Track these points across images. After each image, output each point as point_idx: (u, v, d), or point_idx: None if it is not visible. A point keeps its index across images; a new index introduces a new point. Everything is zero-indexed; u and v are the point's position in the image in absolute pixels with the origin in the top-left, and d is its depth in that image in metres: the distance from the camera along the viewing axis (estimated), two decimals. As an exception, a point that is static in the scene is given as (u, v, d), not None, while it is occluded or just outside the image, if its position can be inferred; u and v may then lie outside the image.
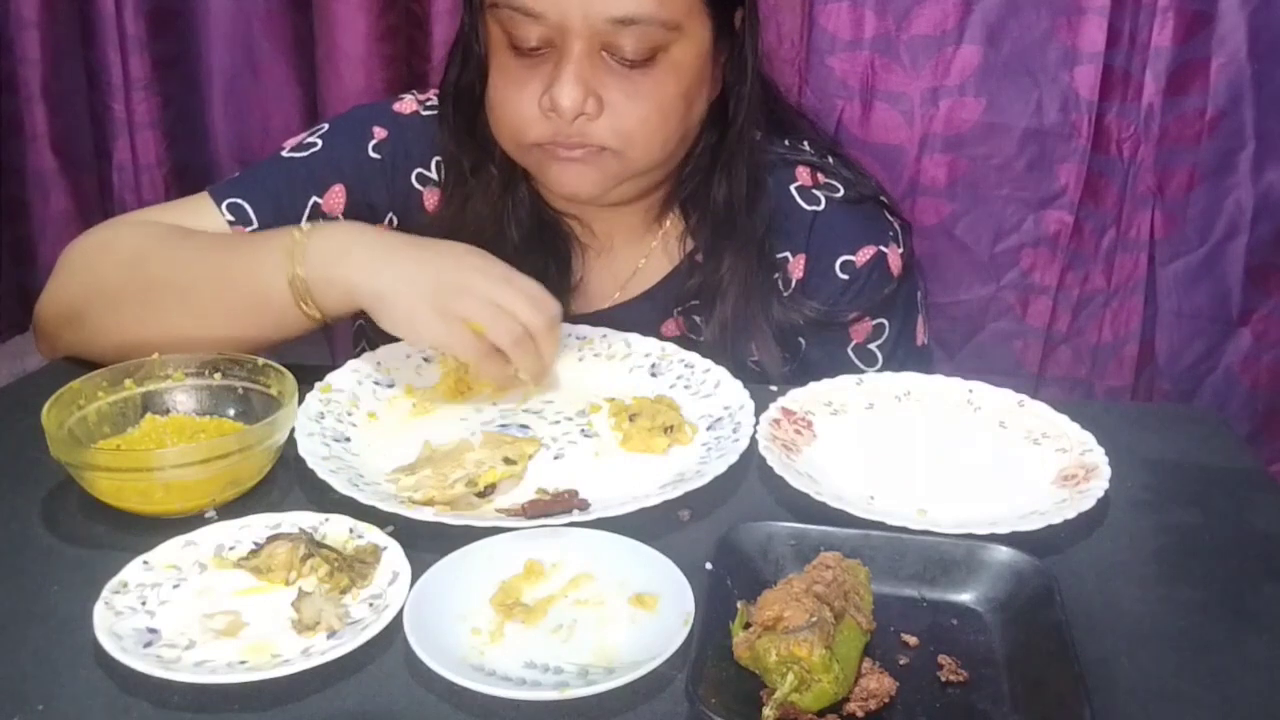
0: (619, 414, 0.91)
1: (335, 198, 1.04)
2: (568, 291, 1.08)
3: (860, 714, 0.60)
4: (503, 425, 0.91)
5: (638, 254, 1.10)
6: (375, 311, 0.87)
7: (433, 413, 0.93)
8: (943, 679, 0.63)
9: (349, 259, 0.88)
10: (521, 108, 0.95)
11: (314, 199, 1.04)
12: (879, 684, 0.61)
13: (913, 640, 0.66)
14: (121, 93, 1.38)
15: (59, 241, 1.47)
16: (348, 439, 0.87)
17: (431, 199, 1.08)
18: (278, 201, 1.02)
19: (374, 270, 0.87)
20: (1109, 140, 1.26)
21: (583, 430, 0.91)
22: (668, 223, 1.09)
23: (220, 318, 0.92)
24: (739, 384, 0.94)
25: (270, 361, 0.87)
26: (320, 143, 1.06)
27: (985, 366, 1.34)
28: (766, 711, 0.58)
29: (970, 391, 0.94)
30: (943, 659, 0.64)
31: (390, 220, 1.07)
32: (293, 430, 0.83)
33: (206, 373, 0.88)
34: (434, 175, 1.08)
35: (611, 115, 0.93)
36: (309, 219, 1.02)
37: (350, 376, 0.94)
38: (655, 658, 0.62)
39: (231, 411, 0.87)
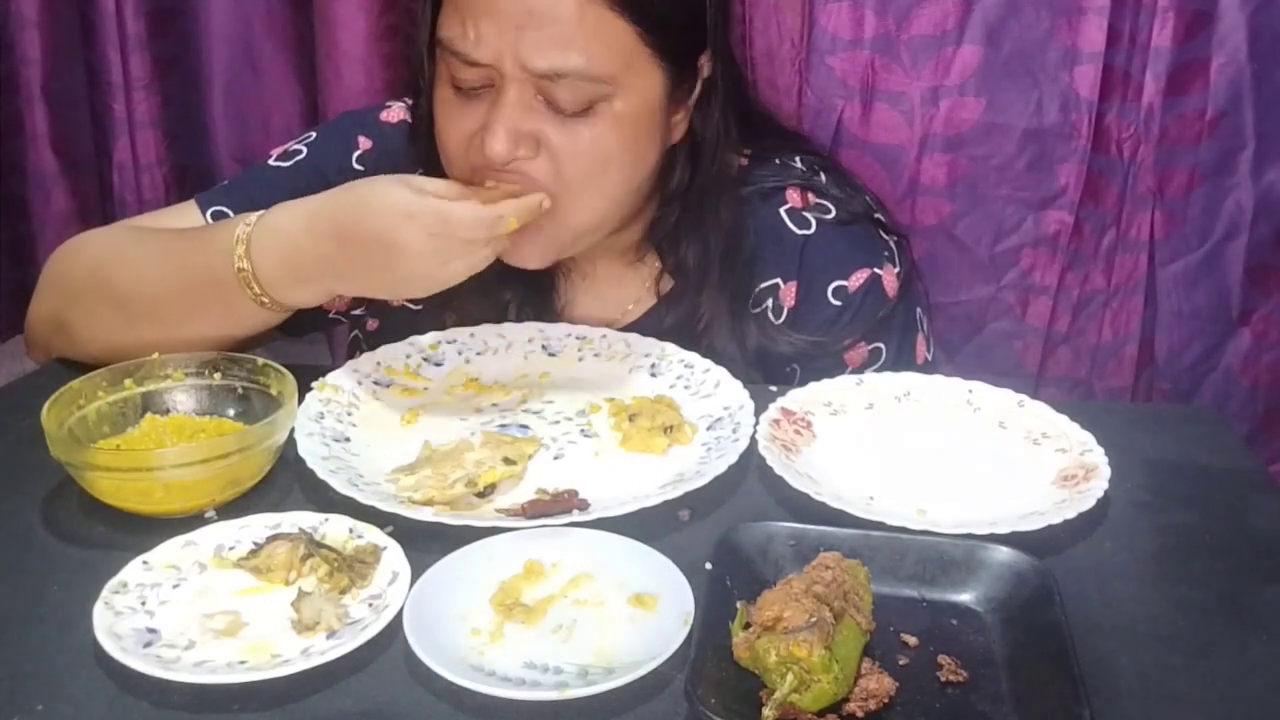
0: (619, 414, 0.91)
1: None
2: (553, 316, 1.07)
3: (860, 714, 0.60)
4: (503, 425, 0.91)
5: (622, 289, 1.08)
6: (327, 285, 0.88)
7: (432, 412, 0.93)
8: (942, 679, 0.63)
9: (295, 254, 0.87)
10: (461, 144, 0.93)
11: None
12: (879, 684, 0.61)
13: (912, 640, 0.67)
14: (122, 92, 1.37)
15: (59, 241, 1.45)
16: (347, 439, 0.87)
17: None
18: (260, 209, 1.02)
19: (319, 260, 0.87)
20: (1109, 140, 1.26)
21: (583, 430, 0.91)
22: (647, 261, 1.07)
23: (184, 316, 0.92)
24: (739, 384, 0.94)
25: (270, 361, 0.87)
26: (305, 150, 1.06)
27: (985, 366, 1.33)
28: (766, 712, 0.58)
29: (970, 391, 0.94)
30: (942, 659, 0.64)
31: None
32: (292, 430, 0.83)
33: (206, 372, 0.88)
34: None
35: (550, 159, 0.91)
36: None
37: (350, 376, 0.94)
38: (655, 658, 0.62)
39: (231, 411, 0.87)
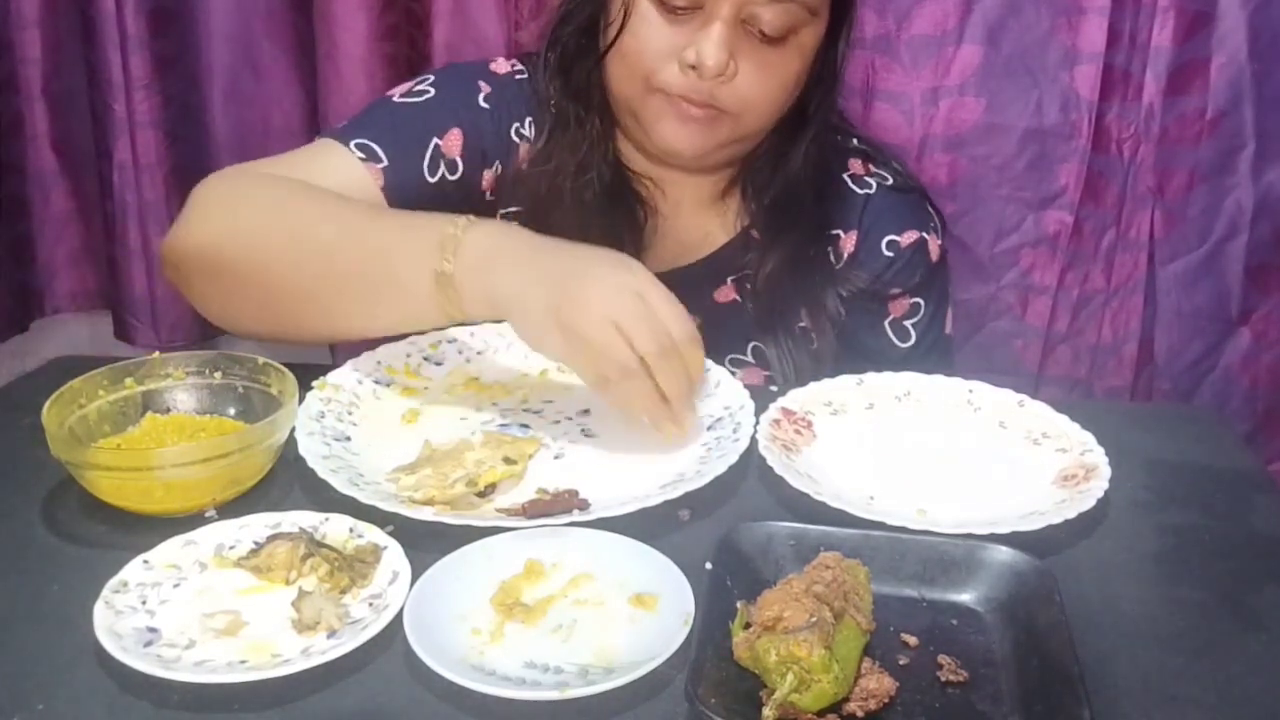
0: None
1: (453, 140, 1.06)
2: (635, 252, 1.08)
3: (860, 714, 0.60)
4: (503, 425, 0.91)
5: (701, 223, 1.14)
6: (510, 321, 0.84)
7: (432, 412, 0.93)
8: (942, 679, 0.63)
9: (496, 264, 0.83)
10: (661, 55, 0.97)
11: (435, 140, 1.05)
12: (879, 684, 0.61)
13: (912, 640, 0.67)
14: (122, 92, 1.37)
15: (59, 241, 1.47)
16: (348, 438, 0.87)
17: (524, 153, 1.10)
18: (403, 140, 1.03)
19: (515, 278, 0.83)
20: (1109, 140, 1.26)
21: (583, 430, 0.91)
22: (731, 196, 1.13)
23: (357, 287, 0.88)
24: (739, 384, 0.94)
25: (270, 361, 0.87)
26: (433, 91, 1.07)
27: (985, 366, 1.34)
28: (766, 712, 0.58)
29: (970, 391, 0.94)
30: (942, 659, 0.64)
31: (496, 168, 1.09)
32: (293, 430, 0.83)
33: (207, 371, 0.88)
34: (528, 132, 1.10)
35: (741, 83, 0.97)
36: (430, 160, 1.04)
37: (350, 376, 0.94)
38: (655, 658, 0.62)
39: (232, 410, 0.87)
